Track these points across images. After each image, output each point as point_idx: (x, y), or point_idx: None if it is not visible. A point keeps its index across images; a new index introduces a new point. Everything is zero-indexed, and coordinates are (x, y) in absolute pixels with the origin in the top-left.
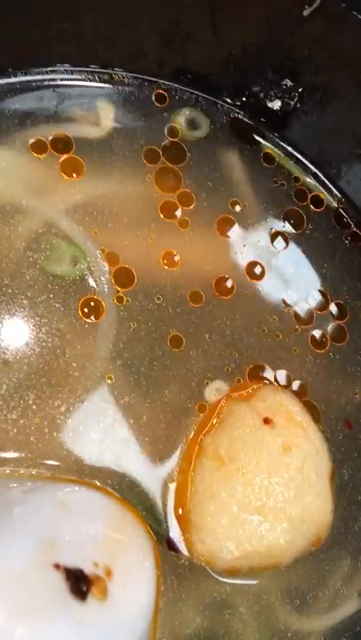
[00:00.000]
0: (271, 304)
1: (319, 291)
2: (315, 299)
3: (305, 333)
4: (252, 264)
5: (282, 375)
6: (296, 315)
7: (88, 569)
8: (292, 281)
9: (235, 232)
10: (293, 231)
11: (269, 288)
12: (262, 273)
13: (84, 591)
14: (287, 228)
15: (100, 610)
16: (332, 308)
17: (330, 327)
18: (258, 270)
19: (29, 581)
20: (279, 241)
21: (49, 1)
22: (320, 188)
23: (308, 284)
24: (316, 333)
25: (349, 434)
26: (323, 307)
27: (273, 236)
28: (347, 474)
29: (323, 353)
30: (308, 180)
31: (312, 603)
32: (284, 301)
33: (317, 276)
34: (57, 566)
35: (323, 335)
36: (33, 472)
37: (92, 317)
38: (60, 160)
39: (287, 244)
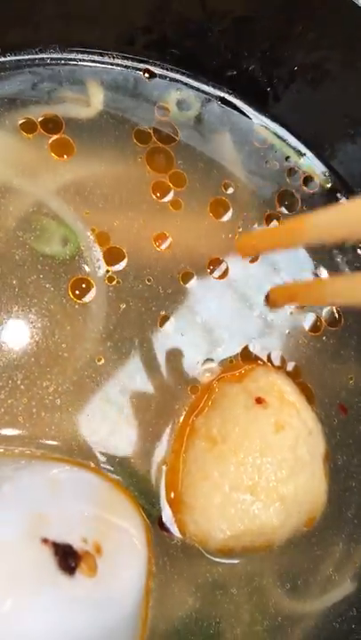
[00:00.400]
0: (265, 287)
1: (314, 273)
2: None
3: (299, 316)
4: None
5: (276, 356)
6: None
7: (77, 545)
8: (287, 264)
9: (228, 214)
10: (287, 212)
11: (263, 270)
12: (256, 255)
13: (72, 566)
14: (281, 209)
15: (89, 586)
16: None
17: (324, 312)
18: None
19: (16, 554)
20: (273, 222)
21: None
22: (313, 168)
23: (302, 266)
24: (311, 317)
25: (344, 419)
26: None
27: (267, 218)
28: (341, 459)
29: (317, 336)
30: (300, 160)
31: (304, 586)
32: (278, 284)
33: (312, 259)
34: (45, 541)
35: (317, 319)
36: (23, 451)
37: (83, 298)
38: (50, 140)
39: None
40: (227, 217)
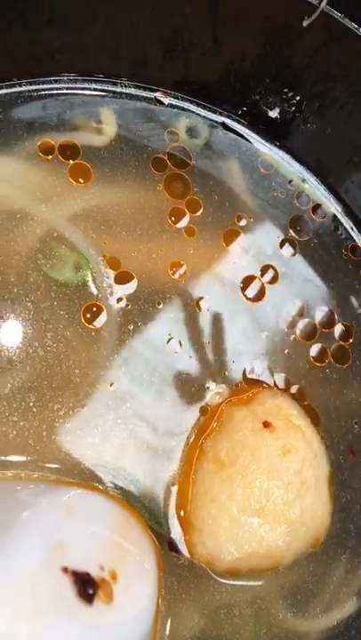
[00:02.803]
0: (274, 313)
1: (326, 307)
2: (320, 314)
3: (306, 346)
4: (257, 274)
5: (280, 379)
6: (299, 326)
7: (94, 572)
8: (298, 293)
9: (240, 243)
10: (299, 238)
11: (274, 298)
12: (267, 284)
13: (90, 595)
14: (293, 238)
15: (106, 613)
16: (338, 328)
17: (333, 346)
18: (266, 278)
19: (38, 584)
20: (285, 251)
21: (53, 12)
22: (318, 195)
23: (314, 297)
24: (316, 347)
25: (349, 438)
26: (328, 324)
27: (279, 247)
28: (345, 475)
29: (322, 366)
30: (306, 186)
31: (309, 605)
32: (287, 312)
33: (324, 290)
34: (65, 570)
35: (323, 350)
36: (35, 475)
37: (95, 323)
38: (66, 167)
39: (295, 253)
40: (239, 246)
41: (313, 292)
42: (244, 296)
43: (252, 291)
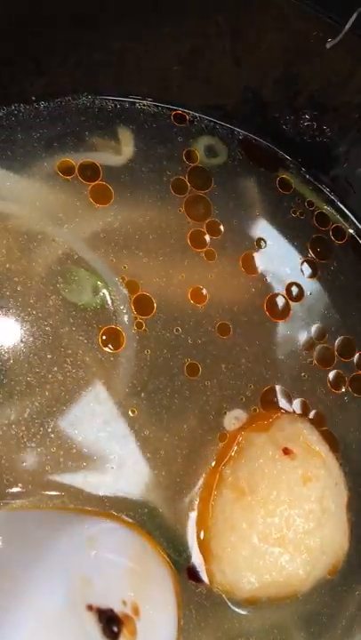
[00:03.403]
0: (293, 337)
1: (344, 336)
2: (339, 341)
3: (324, 372)
4: (277, 298)
5: (298, 404)
6: (316, 351)
7: (118, 608)
8: (318, 317)
9: (260, 265)
10: (319, 260)
11: (294, 320)
12: (286, 308)
13: (115, 632)
14: (313, 259)
15: None
16: (356, 357)
17: (351, 376)
18: (281, 304)
19: (64, 624)
20: (306, 272)
21: (71, 31)
22: (337, 215)
23: (333, 323)
24: (333, 374)
25: None
26: (347, 354)
27: (300, 269)
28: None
29: (339, 394)
30: (325, 206)
31: (328, 630)
32: (306, 336)
33: (345, 317)
34: (90, 607)
35: (340, 376)
36: (53, 504)
37: (113, 347)
38: (86, 188)
39: (315, 275)
40: (259, 269)
41: (333, 317)
42: (267, 314)
43: (276, 308)
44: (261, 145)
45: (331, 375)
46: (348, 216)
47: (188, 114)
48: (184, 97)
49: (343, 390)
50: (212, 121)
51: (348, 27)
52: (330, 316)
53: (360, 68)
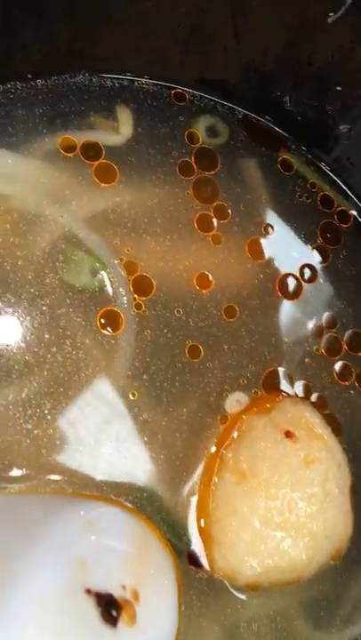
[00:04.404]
0: (301, 323)
1: (354, 328)
2: (349, 334)
3: (330, 361)
4: (288, 278)
5: (300, 387)
6: (324, 341)
7: (117, 593)
8: (329, 307)
9: (267, 252)
10: (331, 247)
11: (304, 306)
12: (299, 289)
13: (114, 617)
14: (323, 245)
15: (129, 635)
16: None
17: (359, 370)
18: (293, 284)
19: (63, 608)
20: (316, 259)
21: (69, 7)
22: (340, 196)
23: (346, 316)
24: (338, 365)
25: None
26: (357, 347)
27: (310, 256)
28: None
29: (344, 386)
30: (327, 187)
31: (330, 617)
32: (316, 323)
33: (353, 308)
34: (88, 591)
35: (346, 368)
36: (50, 488)
37: (112, 330)
38: (89, 167)
39: (326, 260)
40: (266, 254)
41: (345, 308)
42: (279, 293)
43: (287, 288)
44: (262, 124)
45: (337, 366)
46: (350, 197)
47: (188, 92)
48: (183, 75)
49: (349, 383)
50: (212, 100)
51: (350, 0)
52: (342, 307)
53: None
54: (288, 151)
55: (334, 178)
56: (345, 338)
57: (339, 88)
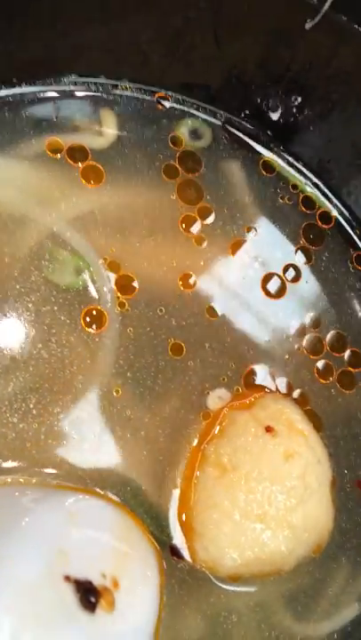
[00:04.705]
0: (283, 322)
1: (336, 329)
2: (328, 333)
3: (311, 360)
4: (268, 282)
5: (282, 383)
6: (306, 339)
7: (96, 580)
8: (311, 308)
9: (251, 253)
10: (313, 248)
11: (286, 305)
12: (280, 292)
13: (93, 603)
14: (306, 246)
15: (108, 621)
16: (347, 353)
17: (340, 371)
18: (277, 284)
19: (40, 594)
20: (299, 260)
21: (53, 12)
22: (321, 198)
23: (328, 317)
24: (320, 364)
25: (352, 446)
26: (338, 348)
27: (294, 254)
28: (348, 482)
29: (327, 383)
30: (308, 189)
31: (311, 609)
32: (299, 323)
33: (336, 309)
34: (67, 578)
35: (328, 367)
36: (35, 480)
37: (96, 328)
38: (71, 168)
39: (307, 262)
40: (248, 255)
41: (327, 309)
42: (262, 293)
43: (270, 288)
44: (244, 127)
45: (320, 364)
46: (331, 198)
47: (171, 96)
48: (167, 79)
49: (330, 382)
50: (194, 103)
51: (326, 7)
52: (325, 307)
53: (340, 48)
54: (270, 152)
55: (315, 180)
56: (327, 338)
57: (317, 92)
